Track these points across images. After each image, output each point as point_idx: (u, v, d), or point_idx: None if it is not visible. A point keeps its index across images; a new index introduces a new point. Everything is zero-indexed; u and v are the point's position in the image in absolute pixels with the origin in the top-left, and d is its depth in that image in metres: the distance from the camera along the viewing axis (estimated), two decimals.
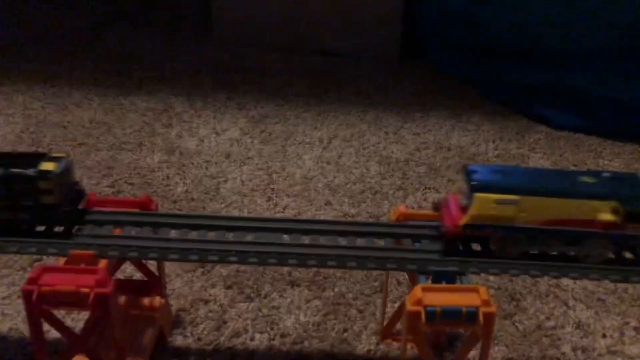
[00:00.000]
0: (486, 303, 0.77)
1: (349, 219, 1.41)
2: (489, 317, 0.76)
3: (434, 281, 0.82)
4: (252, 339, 1.07)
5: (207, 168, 1.62)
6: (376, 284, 1.21)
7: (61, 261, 0.83)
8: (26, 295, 0.76)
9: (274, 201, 1.48)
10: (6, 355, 1.02)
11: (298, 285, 1.19)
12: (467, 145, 1.81)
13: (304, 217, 1.41)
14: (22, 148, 1.66)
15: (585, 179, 0.89)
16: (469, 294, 0.78)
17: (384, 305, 1.05)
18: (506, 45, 2.00)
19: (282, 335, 1.08)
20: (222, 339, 1.07)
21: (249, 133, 1.82)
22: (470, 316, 0.76)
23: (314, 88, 2.13)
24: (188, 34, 2.61)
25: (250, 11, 2.44)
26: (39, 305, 0.76)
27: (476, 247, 0.90)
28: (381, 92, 2.13)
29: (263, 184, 1.55)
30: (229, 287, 1.18)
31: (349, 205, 1.47)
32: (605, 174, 0.91)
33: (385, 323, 1.05)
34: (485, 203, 0.85)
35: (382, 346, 1.06)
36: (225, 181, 1.56)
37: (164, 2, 2.99)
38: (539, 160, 1.74)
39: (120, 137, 1.75)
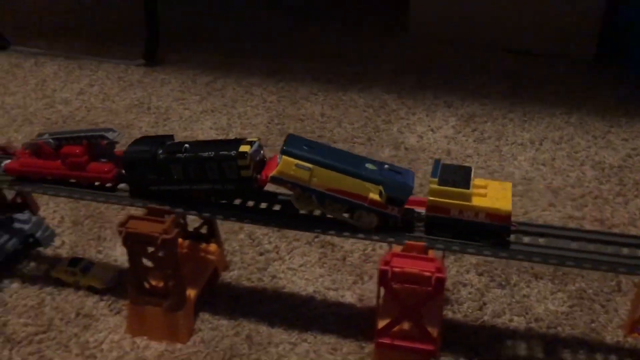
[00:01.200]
0: None
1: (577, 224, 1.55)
2: None
3: None
4: (510, 321, 1.28)
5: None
6: (612, 283, 1.36)
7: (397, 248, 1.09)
8: (383, 274, 1.02)
9: None
10: (316, 312, 1.31)
11: (541, 278, 1.38)
12: None
13: (531, 217, 1.58)
14: (272, 138, 1.98)
15: (370, 165, 1.12)
16: None
17: (636, 303, 1.20)
18: None
19: (537, 320, 1.28)
20: (485, 317, 1.29)
21: (461, 132, 2.01)
22: None
23: (513, 88, 2.26)
24: (379, 29, 2.83)
25: (446, 8, 2.60)
26: (390, 281, 1.02)
27: None
28: (581, 93, 2.21)
29: None
30: (480, 274, 1.40)
31: (572, 208, 1.61)
32: (386, 166, 1.14)
33: (634, 318, 1.21)
34: (288, 164, 1.10)
35: (629, 339, 1.23)
36: None
37: None
38: None
39: (350, 131, 2.02)
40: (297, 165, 1.09)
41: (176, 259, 1.14)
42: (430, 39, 2.66)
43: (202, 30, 2.84)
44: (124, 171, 1.23)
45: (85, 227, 1.56)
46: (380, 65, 2.49)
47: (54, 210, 1.61)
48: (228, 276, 1.40)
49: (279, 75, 2.41)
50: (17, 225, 1.44)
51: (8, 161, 1.30)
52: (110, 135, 1.23)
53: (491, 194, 1.09)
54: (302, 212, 1.16)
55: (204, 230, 1.35)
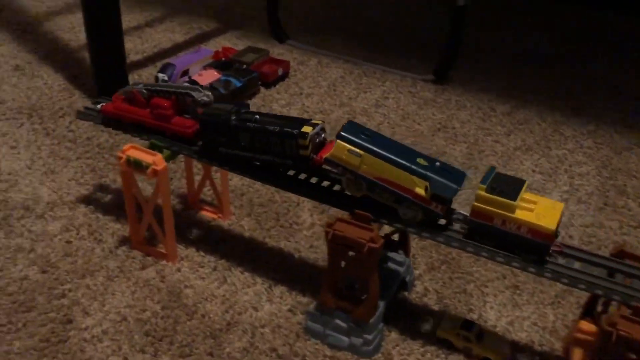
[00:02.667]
0: None
1: None
2: None
3: None
4: None
5: None
6: None
7: None
8: None
9: None
10: None
11: None
12: None
13: None
14: (611, 196, 1.73)
15: (421, 160, 1.13)
16: None
17: None
18: None
19: None
20: None
21: None
22: None
23: None
24: None
25: None
26: None
27: None
28: None
29: None
30: None
31: None
32: (438, 163, 1.13)
33: None
34: (341, 148, 1.13)
35: None
36: None
37: None
38: None
39: None
40: (349, 150, 1.13)
41: None
42: None
43: (477, 47, 2.65)
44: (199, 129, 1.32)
45: (444, 274, 1.42)
46: None
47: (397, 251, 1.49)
48: None
49: (584, 115, 2.16)
50: (391, 265, 1.34)
51: (104, 103, 1.44)
52: (195, 94, 1.32)
53: (538, 211, 1.07)
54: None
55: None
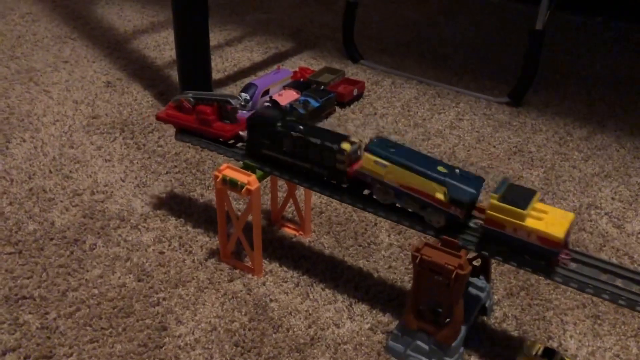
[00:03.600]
0: None
1: None
2: None
3: None
4: None
5: None
6: None
7: None
8: None
9: None
10: None
11: None
12: None
13: None
14: None
15: (441, 168, 1.20)
16: None
17: None
18: None
19: None
20: None
21: None
22: None
23: None
24: None
25: None
26: None
27: None
28: None
29: None
30: None
31: None
32: (457, 171, 1.20)
33: None
34: (369, 160, 1.24)
35: None
36: None
37: None
38: None
39: None
40: (375, 162, 1.23)
41: None
42: None
43: (553, 70, 2.63)
44: (245, 132, 1.43)
45: (523, 301, 1.43)
46: None
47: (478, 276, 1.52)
48: None
49: None
50: (472, 290, 1.36)
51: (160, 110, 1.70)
52: (234, 102, 1.47)
53: (548, 219, 1.11)
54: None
55: None
